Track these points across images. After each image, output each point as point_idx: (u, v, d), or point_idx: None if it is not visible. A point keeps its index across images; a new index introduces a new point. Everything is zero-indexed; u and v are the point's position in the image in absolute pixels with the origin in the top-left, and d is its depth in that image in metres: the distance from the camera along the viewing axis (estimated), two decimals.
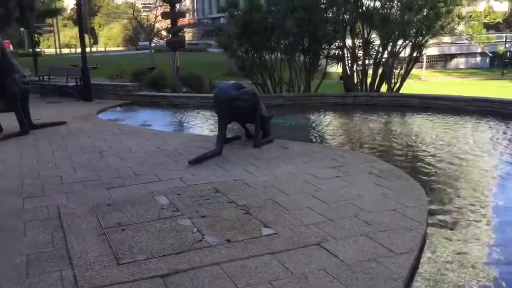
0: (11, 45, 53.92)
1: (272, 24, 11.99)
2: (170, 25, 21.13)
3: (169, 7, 20.49)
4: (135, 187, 5.35)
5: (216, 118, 7.64)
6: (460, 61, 46.31)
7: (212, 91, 18.09)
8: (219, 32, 13.30)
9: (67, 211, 4.59)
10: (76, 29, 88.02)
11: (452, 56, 45.34)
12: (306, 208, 4.51)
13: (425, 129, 9.11)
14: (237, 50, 12.58)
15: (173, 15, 20.23)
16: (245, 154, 6.76)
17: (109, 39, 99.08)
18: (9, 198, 5.07)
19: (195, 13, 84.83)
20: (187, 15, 62.35)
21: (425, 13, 11.58)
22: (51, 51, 71.20)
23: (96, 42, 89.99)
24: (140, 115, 11.50)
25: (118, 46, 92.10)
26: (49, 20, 38.13)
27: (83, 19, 12.46)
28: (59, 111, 11.40)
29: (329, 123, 10.15)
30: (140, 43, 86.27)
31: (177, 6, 21.81)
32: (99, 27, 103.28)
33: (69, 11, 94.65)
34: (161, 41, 69.01)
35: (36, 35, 30.78)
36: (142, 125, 9.90)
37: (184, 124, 10.22)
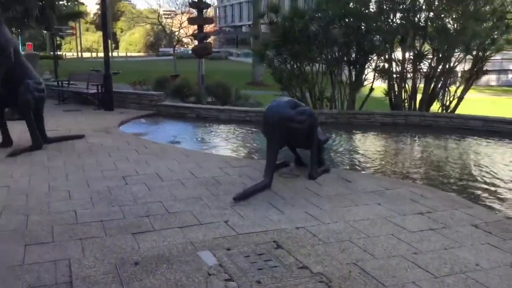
0: (32, 47, 53.88)
1: (315, 33, 10.77)
2: (196, 31, 20.19)
3: (195, 13, 19.60)
4: (170, 232, 4.13)
5: (261, 139, 6.40)
6: (491, 78, 44.49)
7: (238, 101, 17.04)
8: (255, 40, 12.08)
9: (81, 272, 3.38)
10: (98, 33, 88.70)
11: (484, 72, 43.56)
12: (411, 285, 3.22)
13: (509, 158, 7.77)
14: (275, 60, 11.37)
15: (200, 21, 19.23)
16: (300, 188, 5.51)
17: (130, 44, 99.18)
18: (7, 244, 3.88)
19: (217, 21, 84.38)
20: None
21: (491, 24, 10.24)
22: (72, 54, 71.11)
23: (117, 47, 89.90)
24: (166, 129, 10.33)
25: (139, 51, 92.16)
26: (71, 24, 37.59)
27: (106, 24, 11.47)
28: (77, 121, 10.31)
29: (383, 147, 8.84)
30: (161, 49, 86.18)
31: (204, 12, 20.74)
32: (121, 32, 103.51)
33: (91, 15, 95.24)
34: (182, 48, 68.54)
35: (58, 38, 30.15)
36: (170, 141, 8.71)
37: (217, 142, 9.00)
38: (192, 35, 21.75)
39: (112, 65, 11.65)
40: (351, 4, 10.50)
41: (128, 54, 76.55)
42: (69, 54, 74.77)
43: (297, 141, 5.98)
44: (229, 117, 11.09)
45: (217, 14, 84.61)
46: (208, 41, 20.61)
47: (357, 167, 7.15)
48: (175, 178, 5.89)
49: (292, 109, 5.67)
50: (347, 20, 10.38)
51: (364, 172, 6.66)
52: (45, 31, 25.69)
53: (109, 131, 9.24)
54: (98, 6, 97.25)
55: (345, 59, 10.96)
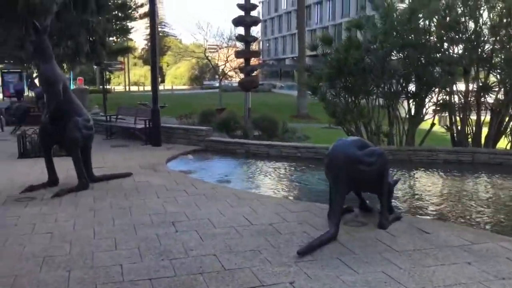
0: (83, 81, 55.85)
1: (371, 65, 10.18)
2: (242, 65, 20.02)
3: (241, 47, 19.50)
4: None
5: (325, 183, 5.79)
6: None
7: (285, 135, 16.53)
8: (307, 72, 11.62)
9: None
10: (145, 67, 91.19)
11: None
12: None
13: None
14: (327, 93, 10.82)
15: (247, 54, 19.08)
16: (371, 239, 4.84)
17: (176, 77, 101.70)
18: None
19: (261, 54, 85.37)
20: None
21: None
22: (120, 88, 73.34)
23: (163, 81, 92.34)
24: (215, 166, 9.90)
25: (184, 84, 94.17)
26: (120, 58, 38.71)
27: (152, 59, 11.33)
28: (125, 158, 10.05)
29: (453, 189, 8.01)
30: (205, 82, 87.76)
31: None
32: (167, 66, 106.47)
33: (139, 50, 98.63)
34: (226, 81, 69.34)
35: (107, 72, 30.93)
36: (219, 180, 8.23)
37: (269, 182, 8.44)
38: (239, 68, 21.58)
39: (159, 98, 11.51)
40: (410, 35, 9.87)
41: (174, 87, 78.13)
42: (117, 88, 77.17)
43: (365, 185, 5.34)
44: (279, 153, 10.56)
45: (261, 48, 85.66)
46: (254, 74, 20.42)
47: (429, 213, 6.39)
48: (229, 224, 5.35)
49: (360, 150, 5.06)
50: (406, 52, 9.74)
51: (439, 220, 5.90)
52: (95, 66, 26.32)
53: (157, 168, 8.88)
54: (146, 42, 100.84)
55: (403, 92, 10.28)
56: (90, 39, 10.73)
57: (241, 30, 19.25)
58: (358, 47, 9.84)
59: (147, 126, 11.90)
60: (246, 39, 18.47)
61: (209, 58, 40.12)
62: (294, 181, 8.39)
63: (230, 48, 39.16)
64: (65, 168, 8.01)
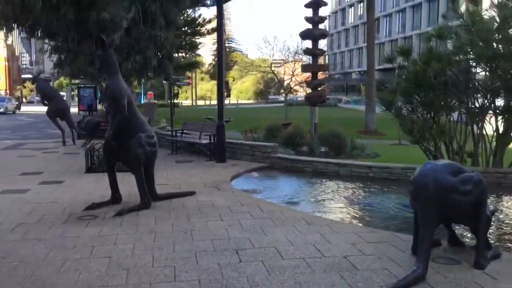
0: (153, 96, 57.66)
1: (453, 78, 9.29)
2: (309, 79, 19.51)
3: (307, 60, 19.01)
4: None
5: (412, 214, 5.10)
6: None
7: (354, 152, 15.73)
8: (381, 86, 10.87)
9: None
10: (212, 82, 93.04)
11: None
12: None
13: None
14: (403, 108, 10.02)
15: (315, 68, 18.52)
16: (467, 282, 4.09)
17: (241, 92, 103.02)
18: None
19: (327, 68, 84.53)
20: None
21: None
22: (188, 102, 75.20)
23: (228, 95, 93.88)
24: (281, 186, 9.38)
25: (248, 99, 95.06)
26: (188, 73, 39.46)
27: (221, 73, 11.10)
28: (189, 174, 9.79)
29: None
30: (270, 97, 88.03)
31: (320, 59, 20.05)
32: (233, 80, 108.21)
33: (206, 65, 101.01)
34: (291, 95, 68.80)
35: (175, 87, 31.51)
36: (286, 202, 7.71)
37: (341, 205, 7.79)
38: (305, 82, 21.08)
39: (224, 112, 11.28)
40: (500, 45, 8.89)
41: (239, 102, 79.02)
42: (185, 102, 79.17)
43: (458, 217, 4.59)
44: (350, 172, 9.87)
45: (327, 62, 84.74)
46: (321, 88, 19.82)
47: None
48: (298, 255, 4.79)
49: (453, 176, 4.35)
50: (495, 63, 8.78)
51: None
52: (164, 81, 26.86)
53: (221, 187, 8.51)
54: (213, 57, 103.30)
55: (491, 108, 9.28)
56: (158, 54, 10.66)
57: (308, 44, 18.81)
58: (440, 59, 8.99)
59: (212, 141, 11.64)
60: (314, 52, 17.96)
61: (275, 72, 39.86)
62: (369, 205, 7.67)
63: (296, 62, 38.74)
64: (129, 183, 7.84)
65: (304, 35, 17.88)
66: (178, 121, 26.31)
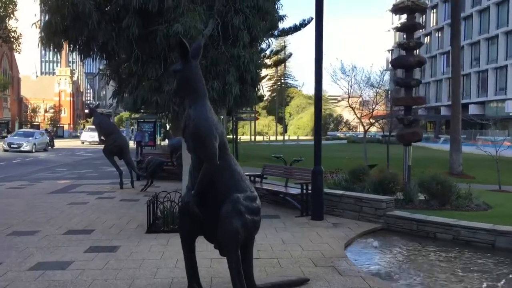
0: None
1: None
2: (403, 113, 16.73)
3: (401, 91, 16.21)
4: None
5: None
6: None
7: (460, 201, 12.62)
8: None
9: None
10: (269, 117, 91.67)
11: None
12: None
13: None
14: None
15: (409, 101, 15.68)
16: None
17: (298, 128, 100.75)
18: None
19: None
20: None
21: None
22: (245, 138, 73.62)
23: (285, 131, 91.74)
24: (424, 265, 6.46)
25: (306, 135, 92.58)
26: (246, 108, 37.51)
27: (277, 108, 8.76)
28: (283, 240, 7.19)
29: None
30: (329, 133, 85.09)
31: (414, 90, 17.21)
32: (289, 116, 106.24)
33: (263, 101, 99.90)
34: (351, 131, 65.26)
35: (237, 121, 29.46)
36: None
37: None
38: (397, 118, 18.15)
39: (283, 149, 8.88)
40: None
41: (300, 138, 76.68)
42: (242, 137, 77.77)
43: None
44: (510, 244, 6.91)
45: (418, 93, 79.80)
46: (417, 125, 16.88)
47: None
48: None
49: None
50: None
51: None
52: (227, 116, 24.81)
53: (337, 265, 5.84)
54: (269, 92, 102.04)
55: None
56: (242, 79, 8.34)
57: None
58: None
59: (304, 191, 9.05)
60: (408, 82, 15.17)
61: (354, 108, 36.40)
62: None
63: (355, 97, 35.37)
64: (209, 256, 5.37)
65: (397, 63, 15.21)
66: (242, 158, 24.11)
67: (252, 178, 11.00)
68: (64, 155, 31.28)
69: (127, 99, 8.03)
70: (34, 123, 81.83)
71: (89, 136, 47.89)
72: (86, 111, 17.95)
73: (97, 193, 12.26)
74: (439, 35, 65.35)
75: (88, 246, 6.70)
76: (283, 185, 10.32)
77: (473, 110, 55.22)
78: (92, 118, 13.78)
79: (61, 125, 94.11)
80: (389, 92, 28.72)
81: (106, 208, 10.08)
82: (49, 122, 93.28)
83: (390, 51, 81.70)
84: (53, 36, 7.20)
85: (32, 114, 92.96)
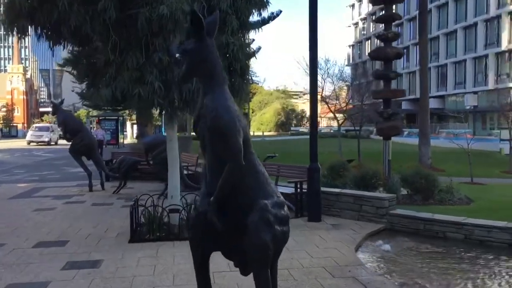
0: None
1: None
2: (382, 107, 16.33)
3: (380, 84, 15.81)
4: None
5: None
6: None
7: (443, 195, 12.31)
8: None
9: None
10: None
11: None
12: None
13: None
14: None
15: (389, 94, 15.28)
16: None
17: (261, 124, 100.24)
18: None
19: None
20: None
21: None
22: None
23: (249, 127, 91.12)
24: (441, 267, 5.93)
25: (269, 131, 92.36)
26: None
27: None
28: (287, 247, 6.41)
29: None
30: (292, 128, 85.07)
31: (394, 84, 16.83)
32: (252, 112, 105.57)
33: None
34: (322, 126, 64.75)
35: None
36: None
37: None
38: (378, 112, 17.76)
39: (253, 145, 8.21)
40: None
41: (265, 134, 76.18)
42: None
43: None
44: None
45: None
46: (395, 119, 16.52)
47: None
48: None
49: None
50: None
51: None
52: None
53: (356, 274, 5.20)
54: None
55: None
56: (231, 68, 7.53)
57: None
58: None
59: (299, 190, 8.39)
60: (387, 75, 14.76)
61: (327, 101, 35.86)
62: None
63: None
64: (210, 269, 4.58)
65: (376, 54, 14.78)
66: None
67: None
68: (21, 155, 29.35)
69: (101, 93, 7.05)
70: None
71: (36, 136, 42.48)
72: (42, 110, 16.55)
73: (65, 197, 11.16)
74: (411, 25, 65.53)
75: (65, 262, 5.76)
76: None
77: (433, 104, 55.94)
78: (56, 115, 12.60)
79: (14, 124, 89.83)
80: (351, 87, 28.76)
81: (77, 214, 9.06)
82: (1, 122, 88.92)
83: (351, 46, 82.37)
84: (16, 19, 6.18)
85: None
